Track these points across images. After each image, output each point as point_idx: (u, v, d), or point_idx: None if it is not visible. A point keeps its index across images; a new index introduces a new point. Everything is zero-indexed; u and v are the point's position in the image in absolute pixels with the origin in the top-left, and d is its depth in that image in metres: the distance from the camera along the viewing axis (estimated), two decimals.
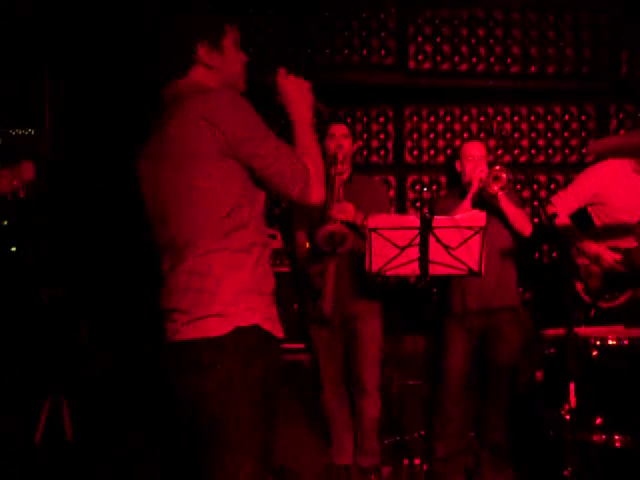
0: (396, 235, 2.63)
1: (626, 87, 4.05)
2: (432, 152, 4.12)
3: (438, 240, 2.63)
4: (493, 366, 3.25)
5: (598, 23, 4.03)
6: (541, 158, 4.12)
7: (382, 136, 4.12)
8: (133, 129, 1.98)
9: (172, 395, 1.62)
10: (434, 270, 2.65)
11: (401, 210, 4.04)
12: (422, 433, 3.50)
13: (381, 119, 4.12)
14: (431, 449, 3.22)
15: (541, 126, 4.12)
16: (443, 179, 4.08)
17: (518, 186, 4.12)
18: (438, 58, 4.01)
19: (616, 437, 2.46)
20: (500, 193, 3.07)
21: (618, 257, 3.14)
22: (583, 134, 4.11)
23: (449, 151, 4.05)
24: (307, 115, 1.80)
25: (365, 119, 4.12)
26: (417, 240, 2.63)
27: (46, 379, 3.49)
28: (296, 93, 1.81)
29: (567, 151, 4.12)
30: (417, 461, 3.32)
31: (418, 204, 4.09)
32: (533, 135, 4.12)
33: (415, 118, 4.12)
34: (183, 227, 1.61)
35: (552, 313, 3.46)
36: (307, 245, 3.23)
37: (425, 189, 4.10)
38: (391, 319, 3.48)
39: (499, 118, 4.11)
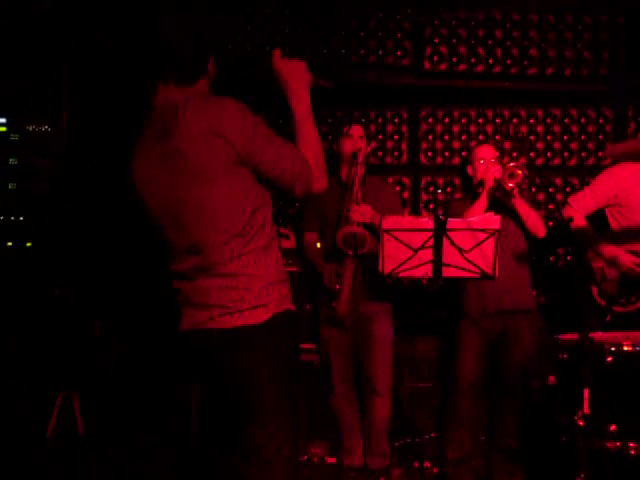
0: (409, 237, 2.62)
1: None
2: (447, 154, 4.10)
3: (452, 243, 2.62)
4: (507, 369, 3.22)
5: (616, 25, 3.99)
6: (557, 161, 4.09)
7: (396, 137, 4.10)
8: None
9: (206, 373, 1.83)
10: (447, 273, 2.64)
11: (415, 212, 4.02)
12: (433, 436, 3.49)
13: (396, 120, 4.10)
14: (442, 452, 3.20)
15: (557, 129, 4.08)
16: (457, 181, 4.06)
17: (533, 189, 4.09)
18: (454, 59, 3.99)
19: (631, 445, 2.43)
20: (516, 190, 3.04)
21: (637, 260, 3.10)
22: (600, 137, 4.07)
23: (464, 153, 4.02)
24: (305, 97, 1.83)
25: (380, 120, 4.10)
26: (431, 242, 2.62)
27: (59, 374, 3.52)
28: (293, 75, 1.83)
29: (584, 154, 4.08)
30: (427, 464, 3.30)
31: (432, 206, 4.07)
32: (549, 138, 4.08)
33: (430, 119, 4.10)
34: (207, 234, 1.74)
35: (567, 317, 3.43)
36: (318, 245, 3.23)
37: (439, 191, 4.08)
38: (403, 321, 3.47)
39: (515, 120, 4.08)
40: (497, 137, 4.05)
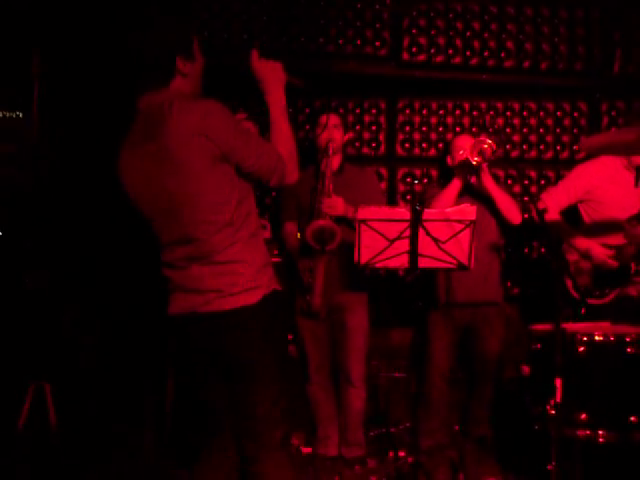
0: (386, 227, 2.62)
1: (618, 84, 4.06)
2: (424, 145, 4.10)
3: (428, 233, 2.62)
4: (477, 359, 3.26)
5: (591, 20, 4.03)
6: (533, 154, 4.12)
7: (374, 128, 4.10)
8: (122, 118, 2.03)
9: (204, 350, 1.99)
10: (423, 263, 2.64)
11: (391, 203, 4.03)
12: (408, 425, 3.51)
13: (373, 111, 4.09)
14: (416, 442, 3.22)
15: (533, 122, 4.12)
16: (434, 172, 4.07)
17: (510, 181, 4.12)
18: (432, 51, 3.99)
19: (600, 433, 2.47)
20: (484, 165, 3.02)
21: (609, 252, 3.15)
22: (575, 131, 4.11)
23: (441, 144, 4.04)
24: (280, 96, 2.01)
25: (358, 110, 4.09)
26: (407, 233, 2.61)
27: (30, 364, 3.47)
28: (269, 75, 2.01)
29: (559, 147, 4.12)
30: (402, 453, 3.32)
31: (409, 197, 4.08)
32: (525, 130, 4.12)
33: (408, 110, 4.10)
34: (199, 226, 1.89)
35: (540, 308, 3.48)
36: (298, 235, 3.22)
37: (416, 182, 4.09)
38: (379, 311, 3.48)
39: (492, 113, 4.11)
40: (474, 129, 4.07)
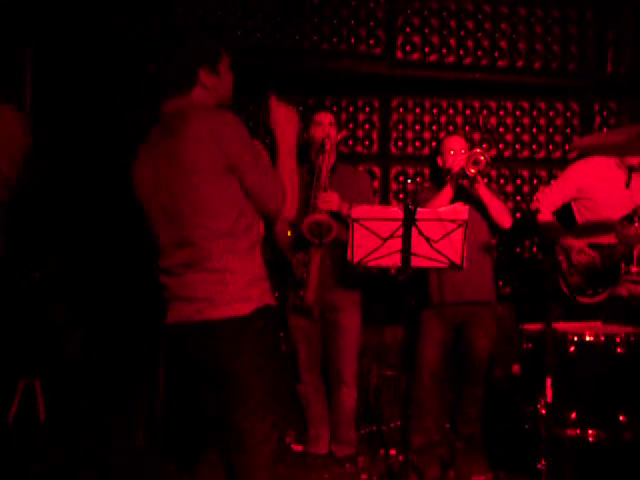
0: (379, 226, 2.62)
1: (611, 85, 4.08)
2: (417, 144, 4.11)
3: (420, 232, 2.62)
4: (468, 358, 3.27)
5: (585, 20, 4.04)
6: (525, 153, 4.14)
7: (367, 126, 4.10)
8: (115, 116, 2.05)
9: (192, 359, 2.00)
10: (416, 262, 2.65)
11: (384, 201, 4.03)
12: (399, 424, 3.52)
13: (367, 109, 4.09)
14: (407, 440, 3.23)
15: (526, 121, 4.13)
16: (427, 171, 4.07)
17: (502, 181, 4.13)
18: (426, 49, 4.00)
19: (590, 432, 2.49)
20: (479, 177, 3.07)
21: (594, 254, 3.17)
22: (568, 130, 4.13)
23: (434, 143, 4.04)
24: (292, 140, 2.09)
25: (351, 108, 4.09)
26: (400, 232, 2.62)
27: (21, 360, 3.46)
28: (284, 120, 2.09)
29: (551, 147, 4.14)
30: (393, 451, 3.33)
31: (401, 196, 4.09)
32: (518, 130, 4.13)
33: (401, 109, 4.10)
34: (197, 230, 1.91)
35: (532, 308, 3.50)
36: (289, 233, 3.21)
37: (409, 181, 4.09)
38: (371, 310, 3.48)
39: (485, 112, 4.11)
40: (467, 128, 4.08)
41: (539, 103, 4.13)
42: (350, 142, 4.08)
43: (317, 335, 3.23)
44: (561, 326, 2.69)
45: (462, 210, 2.66)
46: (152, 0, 3.80)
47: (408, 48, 3.99)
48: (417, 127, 4.10)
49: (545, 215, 3.33)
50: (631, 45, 4.04)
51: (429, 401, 3.26)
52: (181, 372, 2.07)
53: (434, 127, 4.10)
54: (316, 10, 3.94)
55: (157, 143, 1.96)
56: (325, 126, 3.17)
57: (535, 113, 4.13)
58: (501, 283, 3.93)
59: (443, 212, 2.67)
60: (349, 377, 3.21)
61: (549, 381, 2.34)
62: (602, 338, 2.57)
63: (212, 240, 1.91)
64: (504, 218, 3.20)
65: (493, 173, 4.10)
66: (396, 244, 2.63)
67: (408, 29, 3.99)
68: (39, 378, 3.41)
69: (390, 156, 4.11)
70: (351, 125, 4.08)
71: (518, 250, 4.08)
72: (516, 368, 3.14)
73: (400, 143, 4.11)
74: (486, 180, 3.15)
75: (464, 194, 3.19)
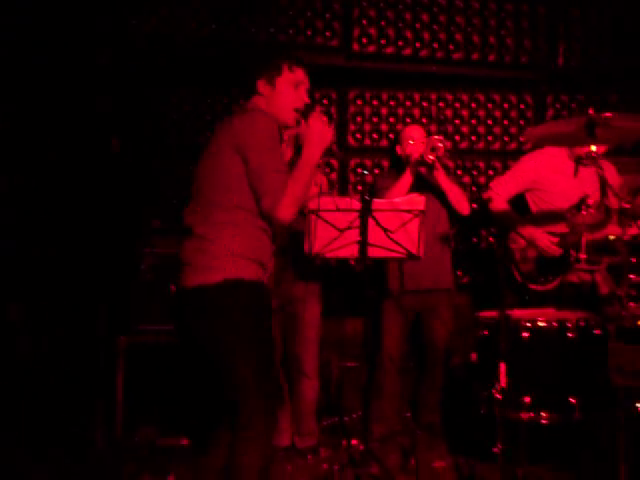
0: (336, 217, 2.63)
1: (562, 77, 4.17)
2: (375, 136, 4.13)
3: (377, 223, 2.64)
4: (428, 347, 3.32)
5: (537, 14, 4.12)
6: (481, 145, 4.20)
7: (325, 118, 4.09)
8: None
9: (188, 326, 2.15)
10: (373, 253, 2.66)
11: (343, 193, 4.04)
12: (360, 414, 3.55)
13: (325, 101, 4.10)
14: (368, 430, 3.26)
15: (482, 113, 4.19)
16: (385, 163, 4.10)
17: (459, 172, 4.19)
18: (382, 42, 4.01)
19: (543, 414, 2.55)
20: (437, 163, 3.11)
21: (554, 240, 3.24)
22: (522, 122, 4.21)
23: (392, 135, 4.07)
24: (317, 156, 2.21)
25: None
26: (357, 223, 2.63)
27: None
28: (318, 135, 2.22)
29: (506, 138, 4.21)
30: (355, 442, 3.36)
31: (360, 187, 4.10)
32: (473, 122, 4.19)
33: (359, 101, 4.12)
34: (204, 199, 2.15)
35: (488, 296, 3.56)
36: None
37: (367, 172, 4.11)
38: (331, 301, 3.49)
39: (441, 104, 4.16)
40: (424, 120, 4.11)
41: (494, 95, 4.20)
42: None
43: (277, 327, 3.22)
44: (515, 313, 2.75)
45: (418, 200, 2.69)
46: None
47: (364, 40, 4.01)
48: (375, 119, 4.12)
49: (500, 204, 3.39)
50: (581, 39, 4.14)
51: (390, 390, 3.29)
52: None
53: (391, 119, 4.13)
54: (272, 1, 3.92)
55: (217, 132, 2.25)
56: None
57: (490, 105, 4.20)
58: (460, 273, 4.00)
59: (399, 202, 2.69)
60: (310, 369, 3.22)
61: (503, 366, 2.39)
62: (555, 324, 2.63)
63: (205, 206, 2.12)
64: (463, 205, 3.24)
65: (450, 164, 4.15)
66: (354, 235, 2.64)
67: (364, 21, 4.00)
68: None
69: (348, 148, 4.13)
70: None
71: (475, 240, 4.14)
72: (475, 356, 3.19)
73: (358, 135, 4.12)
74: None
75: (423, 181, 3.23)
